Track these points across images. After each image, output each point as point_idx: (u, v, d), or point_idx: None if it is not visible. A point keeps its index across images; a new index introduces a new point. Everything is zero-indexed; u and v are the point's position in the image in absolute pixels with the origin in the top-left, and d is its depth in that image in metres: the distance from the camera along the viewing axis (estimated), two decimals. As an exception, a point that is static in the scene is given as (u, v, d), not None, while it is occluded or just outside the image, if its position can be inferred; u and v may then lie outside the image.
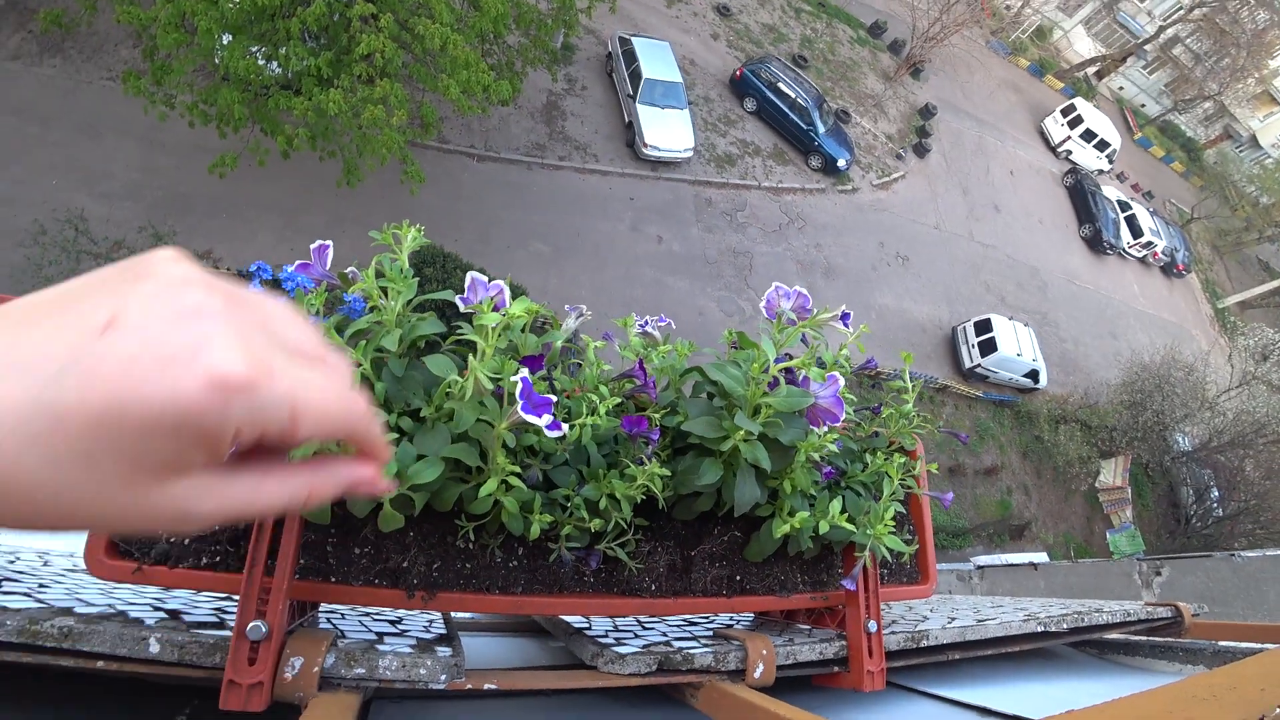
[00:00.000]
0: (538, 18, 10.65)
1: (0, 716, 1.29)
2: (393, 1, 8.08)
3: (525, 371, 0.89)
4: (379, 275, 0.94)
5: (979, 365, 15.91)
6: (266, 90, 8.60)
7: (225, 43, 8.05)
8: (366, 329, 0.94)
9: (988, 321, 16.05)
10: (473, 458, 0.92)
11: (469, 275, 1.02)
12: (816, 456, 1.41)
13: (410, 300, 0.99)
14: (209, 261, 10.01)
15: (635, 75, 14.02)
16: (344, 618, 1.40)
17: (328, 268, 1.09)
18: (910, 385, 1.77)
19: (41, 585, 1.42)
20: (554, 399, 0.91)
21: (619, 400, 1.08)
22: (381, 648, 1.11)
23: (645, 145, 13.65)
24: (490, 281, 1.00)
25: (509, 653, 1.79)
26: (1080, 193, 22.70)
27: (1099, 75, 30.63)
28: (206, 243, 10.27)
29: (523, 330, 1.00)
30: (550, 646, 1.93)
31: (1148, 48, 29.41)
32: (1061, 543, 15.77)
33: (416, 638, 1.27)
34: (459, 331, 0.96)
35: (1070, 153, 24.19)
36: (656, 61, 14.25)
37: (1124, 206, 23.24)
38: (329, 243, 1.06)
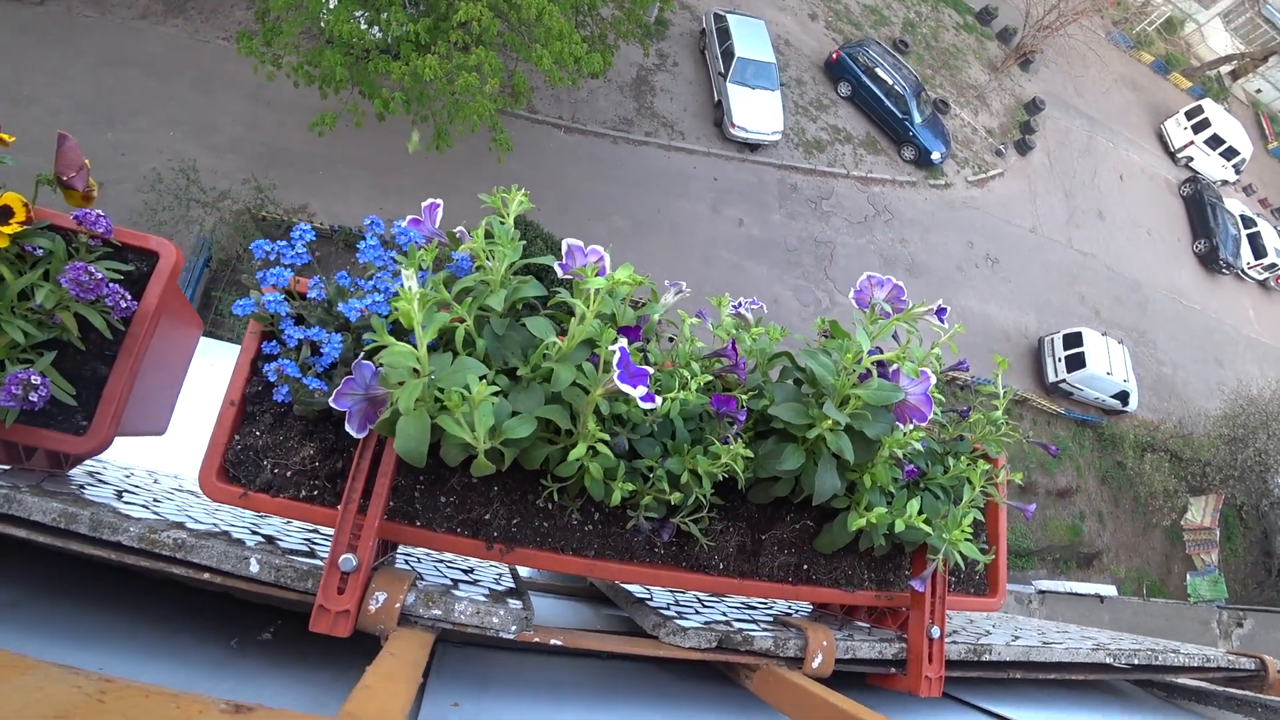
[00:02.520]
0: (635, -10, 10.58)
1: (103, 617, 1.42)
2: (492, -29, 8.18)
3: (624, 341, 0.90)
4: (488, 236, 0.96)
5: (1064, 380, 15.07)
6: (367, 54, 8.90)
7: (331, 7, 8.36)
8: (472, 286, 0.97)
9: (1078, 335, 15.15)
10: (564, 420, 0.94)
11: (566, 242, 1.04)
12: (900, 453, 1.38)
13: (513, 263, 1.02)
14: (305, 215, 10.51)
15: (728, 54, 13.76)
16: (420, 562, 1.47)
17: (436, 225, 1.12)
18: (1002, 392, 1.70)
19: (155, 500, 1.55)
20: (650, 371, 0.91)
21: (709, 378, 1.08)
22: (457, 593, 1.16)
23: (733, 126, 13.42)
24: (588, 248, 1.02)
25: (568, 614, 1.84)
26: (1199, 204, 20.95)
27: (1234, 75, 27.98)
28: (303, 197, 10.78)
29: (623, 300, 1.01)
30: (604, 614, 1.97)
31: (1295, 47, 26.70)
32: (1133, 578, 14.90)
33: (488, 588, 1.32)
34: (558, 295, 0.98)
35: (1191, 159, 22.32)
36: (750, 40, 13.94)
37: (1248, 223, 21.32)
38: (439, 201, 1.10)
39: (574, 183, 12.14)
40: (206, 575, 1.10)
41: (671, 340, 1.16)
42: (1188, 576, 15.32)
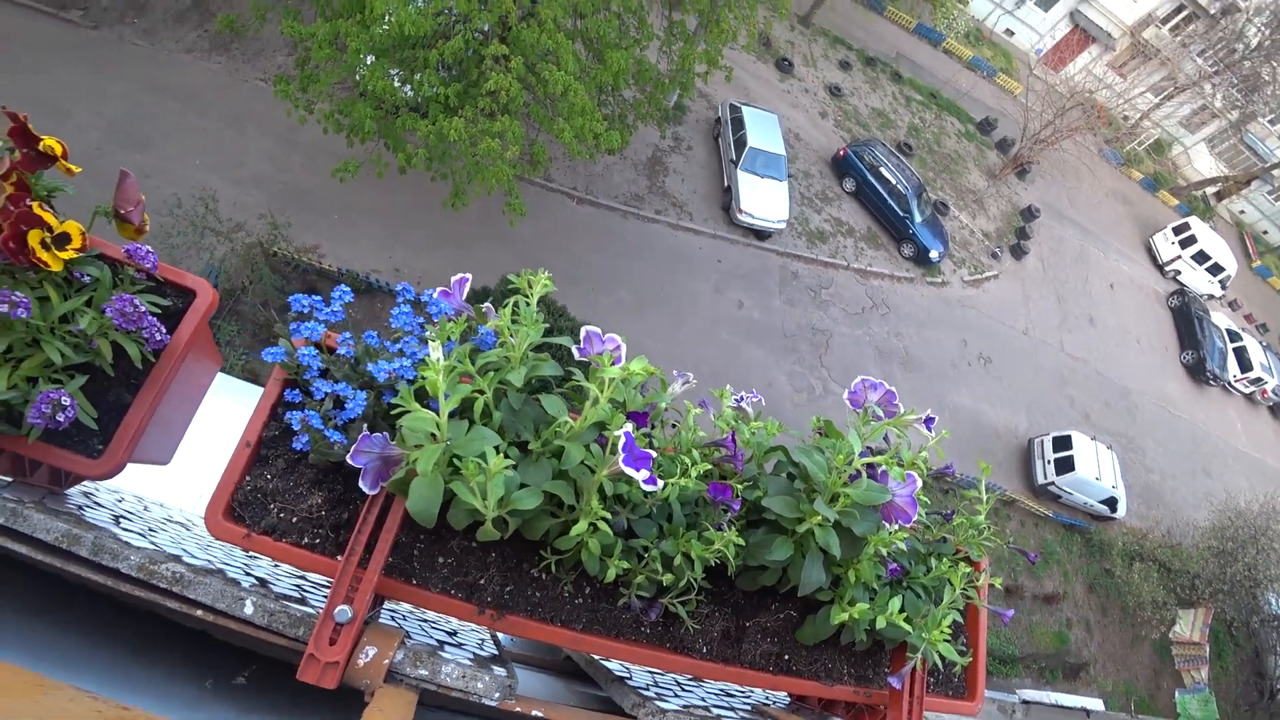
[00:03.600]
0: (656, 77, 11.16)
1: (83, 643, 1.41)
2: (524, 46, 8.65)
3: (630, 426, 0.96)
4: (514, 316, 1.04)
5: (1053, 483, 15.07)
6: (396, 110, 9.29)
7: (369, 63, 8.79)
8: (495, 361, 1.03)
9: (1068, 438, 15.25)
10: (569, 495, 0.99)
11: (585, 329, 1.11)
12: (884, 552, 1.42)
13: (533, 342, 1.09)
14: (315, 256, 10.70)
15: (740, 142, 14.39)
16: (406, 619, 1.48)
17: (463, 298, 1.20)
18: (985, 497, 1.76)
19: (150, 529, 1.56)
20: (654, 455, 0.97)
21: (708, 467, 1.13)
22: (443, 654, 1.18)
23: (740, 211, 13.90)
24: (605, 335, 1.09)
25: (544, 688, 1.82)
26: (1186, 316, 21.53)
27: (1219, 196, 29.26)
28: (315, 238, 11.01)
29: (633, 388, 1.07)
30: (578, 690, 1.95)
31: (1276, 173, 27.99)
32: (1121, 692, 14.48)
33: (473, 652, 1.32)
34: (573, 377, 1.04)
35: (1179, 273, 23.06)
36: (763, 132, 14.60)
37: (1234, 336, 21.85)
38: (468, 276, 1.17)
39: (582, 252, 12.46)
40: (200, 612, 1.11)
41: (675, 427, 1.22)
42: (1176, 694, 14.89)
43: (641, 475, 0.90)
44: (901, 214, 16.10)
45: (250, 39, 11.70)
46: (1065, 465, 14.94)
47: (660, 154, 14.50)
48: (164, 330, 1.30)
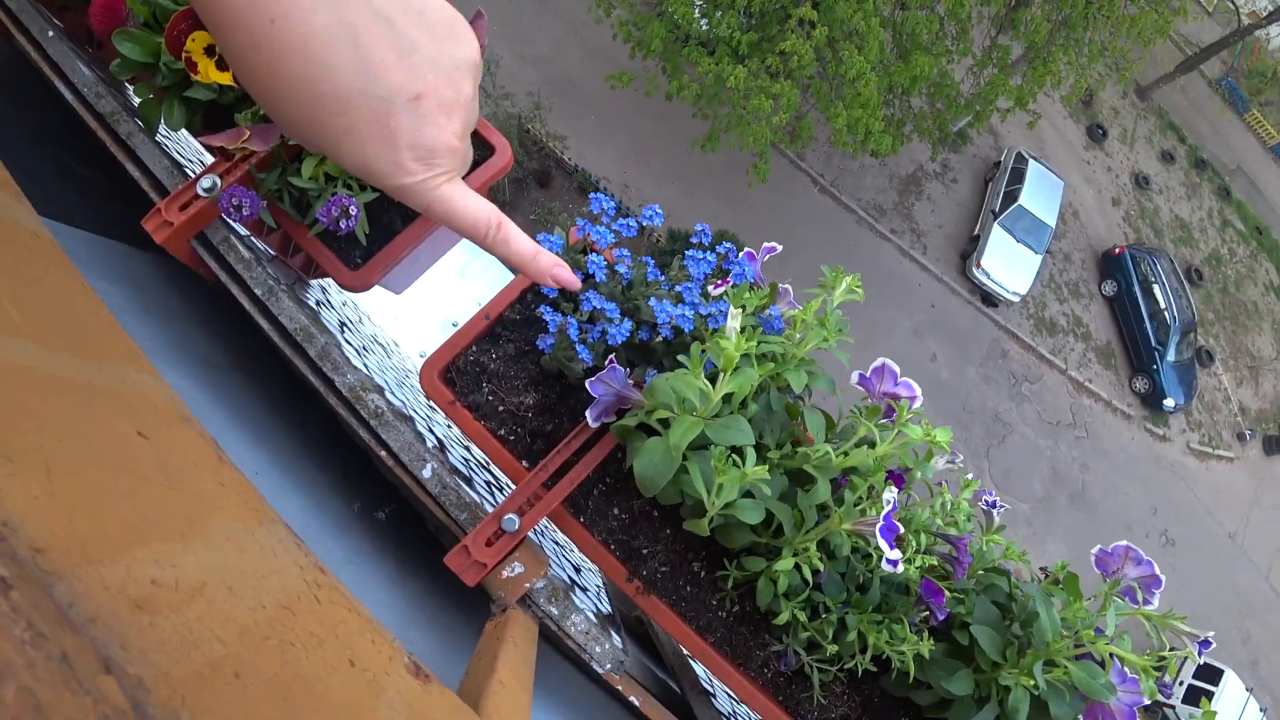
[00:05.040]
0: (954, 96, 10.27)
1: (271, 418, 1.51)
2: (834, 18, 8.22)
3: (895, 492, 0.80)
4: (820, 319, 0.90)
5: (1173, 707, 12.92)
6: (686, 39, 9.28)
7: (677, -15, 8.78)
8: (775, 350, 0.91)
9: (1220, 673, 12.86)
10: (790, 526, 0.86)
11: (882, 360, 0.95)
12: (1067, 746, 1.18)
13: (818, 346, 0.95)
14: (561, 145, 11.18)
15: (1011, 196, 13.01)
16: (544, 535, 1.46)
17: (759, 268, 1.08)
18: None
19: (364, 347, 1.64)
20: (901, 530, 0.81)
21: (934, 561, 0.96)
22: (575, 599, 1.12)
23: (978, 266, 12.68)
24: (901, 378, 0.93)
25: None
26: None
27: None
28: (566, 130, 11.48)
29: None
30: (639, 660, 1.88)
31: None
32: None
33: (594, 605, 1.27)
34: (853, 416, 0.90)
35: None
36: (1040, 195, 13.09)
37: None
38: (778, 247, 1.05)
39: (801, 238, 12.02)
40: (384, 454, 1.13)
41: (910, 496, 1.05)
42: None
43: (893, 554, 0.75)
44: (1154, 344, 13.93)
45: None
46: (1197, 697, 12.70)
47: (922, 175, 13.49)
48: (459, 174, 1.31)
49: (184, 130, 1.52)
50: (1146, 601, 1.20)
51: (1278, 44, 19.75)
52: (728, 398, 0.83)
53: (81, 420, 0.48)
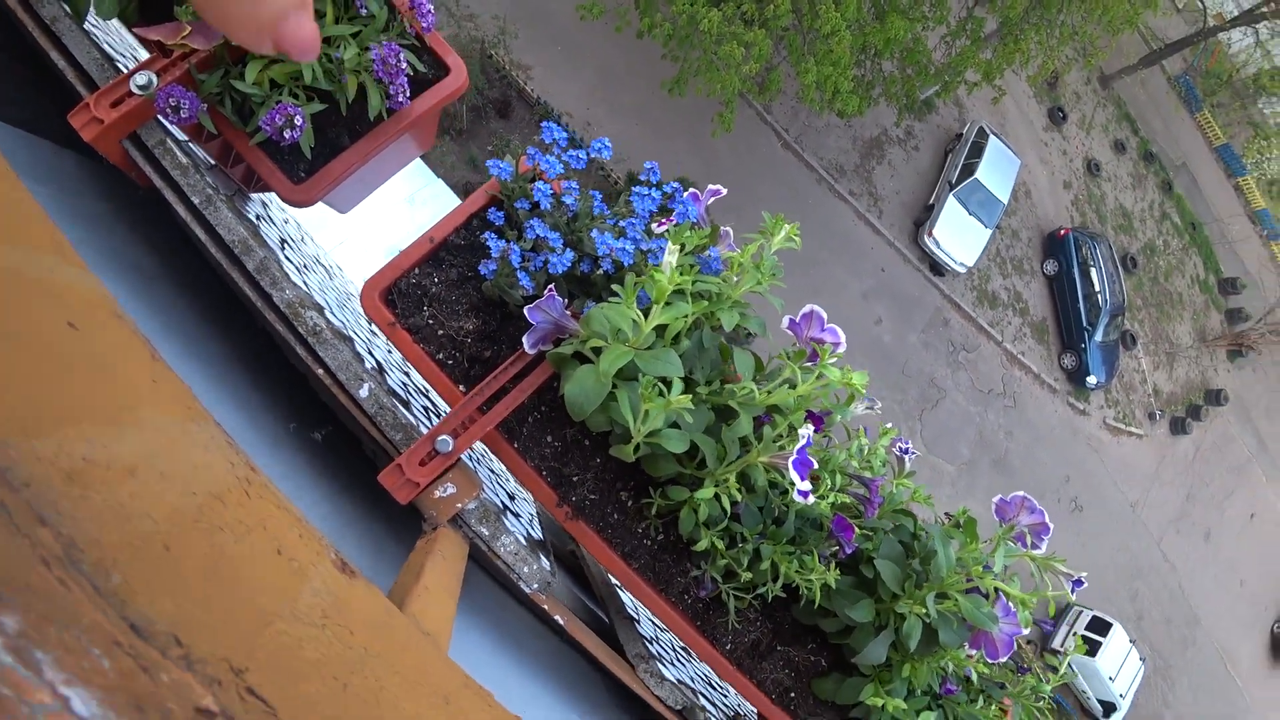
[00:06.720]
0: (925, 63, 10.28)
1: (208, 331, 1.48)
2: (816, -30, 8.07)
3: (811, 430, 0.86)
4: (756, 261, 0.94)
5: (1064, 654, 14.14)
6: (663, -27, 8.96)
7: (657, -84, 8.43)
8: (711, 290, 0.95)
9: (1108, 625, 14.11)
10: (713, 458, 0.91)
11: (810, 306, 1.00)
12: (951, 669, 1.30)
13: (752, 289, 0.99)
14: (525, 75, 10.78)
15: (968, 169, 13.26)
16: (480, 461, 1.49)
17: (704, 210, 1.10)
18: (1065, 675, 1.60)
19: (305, 265, 1.61)
20: (815, 465, 0.87)
21: (846, 499, 1.03)
22: (506, 522, 1.17)
23: (929, 235, 12.98)
24: (828, 324, 0.98)
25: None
26: (1309, 587, 19.13)
27: None
28: (532, 60, 11.05)
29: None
30: (572, 591, 1.97)
31: None
32: None
33: (525, 529, 1.32)
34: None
35: (1331, 543, 20.33)
36: (996, 171, 13.38)
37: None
38: (722, 190, 1.07)
39: (762, 193, 12.01)
40: (321, 371, 1.13)
41: (828, 439, 1.12)
42: None
43: (804, 485, 0.81)
44: (1085, 324, 14.64)
45: None
46: (1089, 648, 13.94)
47: (885, 140, 13.57)
48: (407, 94, 1.27)
49: (117, 20, 1.43)
50: (1035, 546, 1.33)
51: (1238, 49, 20.30)
52: (661, 331, 0.86)
53: (6, 304, 0.48)
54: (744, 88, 9.14)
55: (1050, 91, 16.57)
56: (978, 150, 13.48)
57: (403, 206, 2.66)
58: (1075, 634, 14.18)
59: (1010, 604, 1.21)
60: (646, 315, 0.80)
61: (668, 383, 0.80)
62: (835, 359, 0.88)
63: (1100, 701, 14.34)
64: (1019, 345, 14.61)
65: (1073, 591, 1.26)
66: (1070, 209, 16.19)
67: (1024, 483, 14.21)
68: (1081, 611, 14.55)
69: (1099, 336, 14.62)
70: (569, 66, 11.21)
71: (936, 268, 13.55)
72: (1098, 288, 14.57)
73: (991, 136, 13.76)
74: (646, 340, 0.87)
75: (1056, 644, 14.25)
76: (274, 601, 0.43)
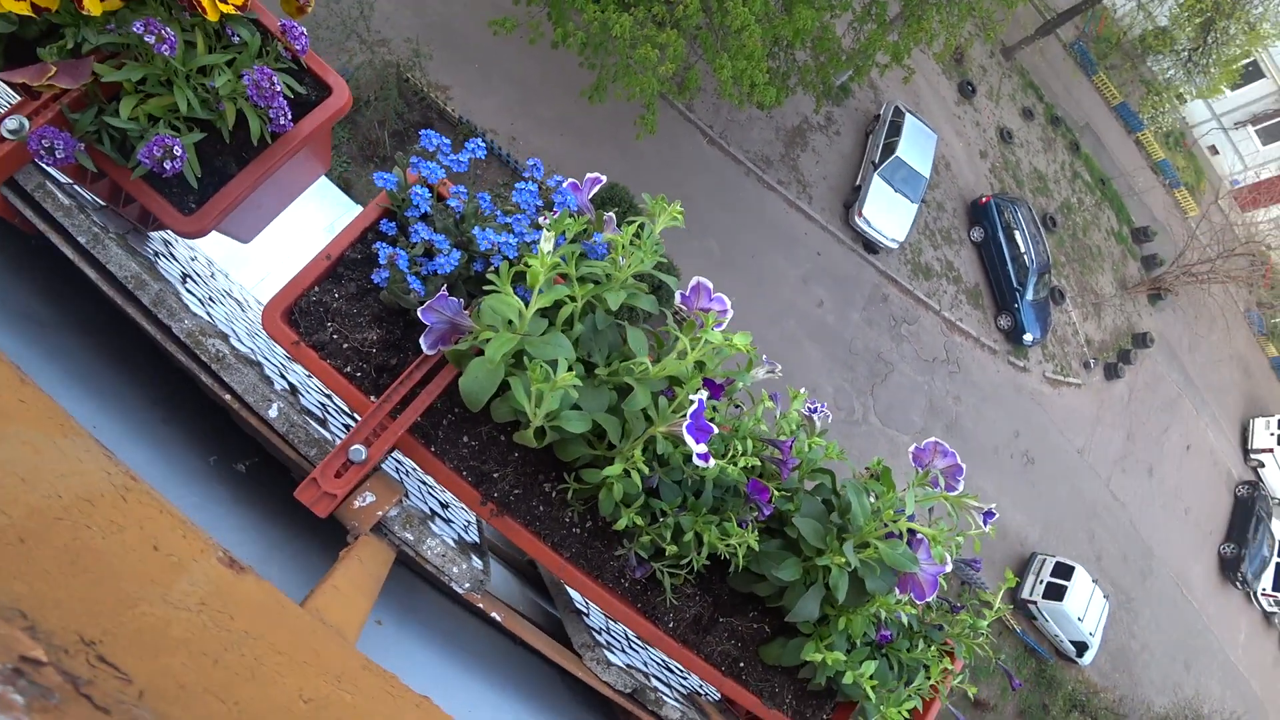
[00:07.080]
0: (835, 50, 10.60)
1: (110, 376, 1.45)
2: (720, -31, 8.25)
3: (705, 394, 0.90)
4: (635, 236, 0.97)
5: (1035, 602, 14.71)
6: (572, -16, 9.02)
7: (562, -72, 8.50)
8: (597, 274, 0.98)
9: (1071, 569, 14.75)
10: (615, 434, 0.95)
11: (697, 279, 1.04)
12: (883, 615, 1.36)
13: (640, 269, 1.03)
14: (444, 95, 10.70)
15: (889, 148, 13.71)
16: (408, 475, 1.49)
17: (588, 198, 1.14)
18: (999, 608, 1.68)
19: (211, 298, 1.59)
20: (715, 430, 0.92)
21: (756, 462, 1.08)
22: (433, 527, 1.18)
23: (860, 215, 13.37)
24: (715, 293, 1.02)
25: (504, 585, 1.85)
26: (1246, 510, 20.28)
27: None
28: (449, 79, 10.98)
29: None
30: (531, 599, 1.98)
31: None
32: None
33: (459, 533, 1.33)
34: (664, 324, 0.99)
35: (1262, 465, 21.61)
36: (916, 147, 13.87)
37: (1284, 552, 20.58)
38: (602, 178, 1.11)
39: (691, 190, 12.18)
40: (229, 397, 1.12)
41: (739, 408, 1.16)
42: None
43: (700, 448, 0.85)
44: (1015, 285, 15.29)
45: None
46: (1055, 592, 14.53)
47: (807, 128, 13.92)
48: (290, 116, 1.28)
49: (-22, 66, 1.39)
50: (950, 488, 1.40)
51: (1123, 13, 21.52)
52: (553, 317, 0.89)
53: None
54: (663, 88, 9.26)
55: (958, 67, 17.26)
56: (896, 129, 13.95)
57: (323, 235, 2.62)
58: (1042, 581, 14.76)
59: (929, 544, 1.28)
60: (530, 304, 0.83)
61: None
62: (718, 322, 0.93)
63: (1073, 643, 14.93)
64: (956, 312, 15.15)
65: (985, 523, 1.33)
66: (989, 176, 16.89)
67: (976, 443, 14.73)
68: (1045, 559, 15.14)
69: (1030, 295, 15.28)
70: (487, 84, 11.18)
71: (870, 246, 13.95)
72: (1023, 249, 15.24)
73: (908, 115, 14.25)
74: (538, 327, 0.90)
75: (1025, 595, 14.80)
76: (141, 588, 0.44)
